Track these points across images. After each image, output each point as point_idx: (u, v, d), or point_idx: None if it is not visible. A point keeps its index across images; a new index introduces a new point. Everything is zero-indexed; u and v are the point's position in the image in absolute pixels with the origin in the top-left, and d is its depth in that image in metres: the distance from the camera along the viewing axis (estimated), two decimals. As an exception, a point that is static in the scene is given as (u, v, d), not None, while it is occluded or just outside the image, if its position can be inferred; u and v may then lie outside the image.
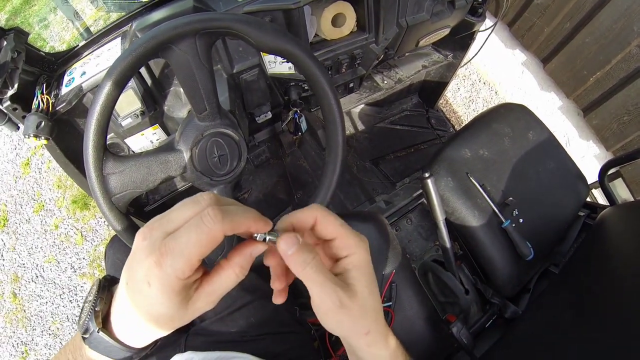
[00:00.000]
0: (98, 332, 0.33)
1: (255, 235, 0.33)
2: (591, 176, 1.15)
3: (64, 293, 1.84)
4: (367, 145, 1.82)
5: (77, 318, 1.74)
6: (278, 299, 0.37)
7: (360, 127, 1.87)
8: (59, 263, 1.91)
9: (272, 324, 0.81)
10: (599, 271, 0.81)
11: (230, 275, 0.32)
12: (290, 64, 0.92)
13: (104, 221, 1.97)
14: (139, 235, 0.30)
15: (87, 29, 1.26)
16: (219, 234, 0.29)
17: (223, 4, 0.82)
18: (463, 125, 1.14)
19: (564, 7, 1.67)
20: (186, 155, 0.61)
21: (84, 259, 1.90)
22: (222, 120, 0.62)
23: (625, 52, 1.50)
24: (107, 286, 0.37)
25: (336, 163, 0.62)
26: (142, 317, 0.31)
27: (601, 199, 1.17)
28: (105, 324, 0.34)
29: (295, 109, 1.04)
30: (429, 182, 0.95)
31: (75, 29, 1.22)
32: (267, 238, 0.33)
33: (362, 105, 1.85)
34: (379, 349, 0.36)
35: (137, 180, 0.59)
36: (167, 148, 0.63)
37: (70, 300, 1.82)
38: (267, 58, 0.90)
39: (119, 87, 0.53)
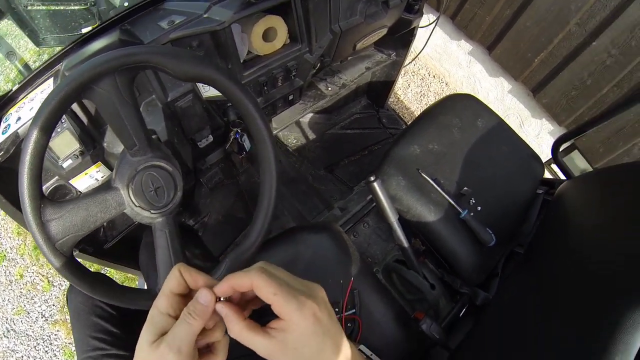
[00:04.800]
0: None
1: None
2: (550, 153, 1.16)
3: (38, 344, 1.76)
4: (320, 154, 1.81)
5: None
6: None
7: (311, 135, 1.86)
8: (28, 313, 1.82)
9: None
10: (559, 246, 0.82)
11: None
12: None
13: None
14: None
15: (26, 65, 1.20)
16: None
17: (150, 33, 0.80)
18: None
19: (501, -6, 1.72)
20: (123, 193, 0.61)
21: (53, 305, 1.83)
22: (154, 153, 0.62)
23: (566, 31, 1.56)
24: None
25: (272, 181, 0.63)
26: None
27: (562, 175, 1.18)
28: None
29: (235, 129, 1.03)
30: (375, 185, 0.95)
31: (10, 69, 1.16)
32: None
33: (311, 114, 1.85)
34: None
35: (78, 224, 0.58)
36: (105, 187, 0.62)
37: (47, 351, 1.74)
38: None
39: (47, 133, 0.53)
